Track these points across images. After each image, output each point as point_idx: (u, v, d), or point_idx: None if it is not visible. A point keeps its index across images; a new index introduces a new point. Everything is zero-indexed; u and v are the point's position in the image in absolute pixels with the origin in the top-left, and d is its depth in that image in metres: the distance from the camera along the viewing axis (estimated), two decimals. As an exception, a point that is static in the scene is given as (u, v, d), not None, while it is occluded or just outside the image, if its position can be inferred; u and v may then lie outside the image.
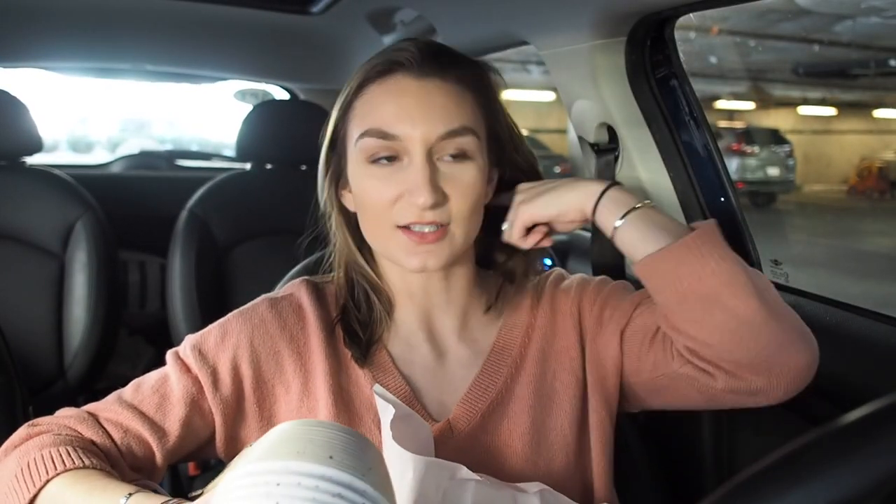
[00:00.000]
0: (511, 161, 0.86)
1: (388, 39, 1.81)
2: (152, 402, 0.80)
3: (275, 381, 0.82)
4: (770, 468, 0.41)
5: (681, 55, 1.25)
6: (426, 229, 0.76)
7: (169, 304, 1.77)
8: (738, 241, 1.28)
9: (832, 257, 6.92)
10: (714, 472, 1.26)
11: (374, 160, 0.77)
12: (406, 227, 0.77)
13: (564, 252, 1.75)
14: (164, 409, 0.79)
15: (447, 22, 1.58)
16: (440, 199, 0.76)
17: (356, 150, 0.79)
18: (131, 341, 2.32)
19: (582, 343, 0.88)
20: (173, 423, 0.79)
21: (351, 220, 0.85)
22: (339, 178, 0.84)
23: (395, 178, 0.76)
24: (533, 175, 0.87)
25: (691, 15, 1.17)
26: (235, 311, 0.86)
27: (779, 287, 1.24)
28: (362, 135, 0.77)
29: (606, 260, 1.34)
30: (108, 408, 0.80)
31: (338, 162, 0.83)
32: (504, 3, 1.34)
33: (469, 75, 0.80)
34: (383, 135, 0.76)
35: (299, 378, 0.82)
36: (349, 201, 0.84)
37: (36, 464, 0.72)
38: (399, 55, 0.78)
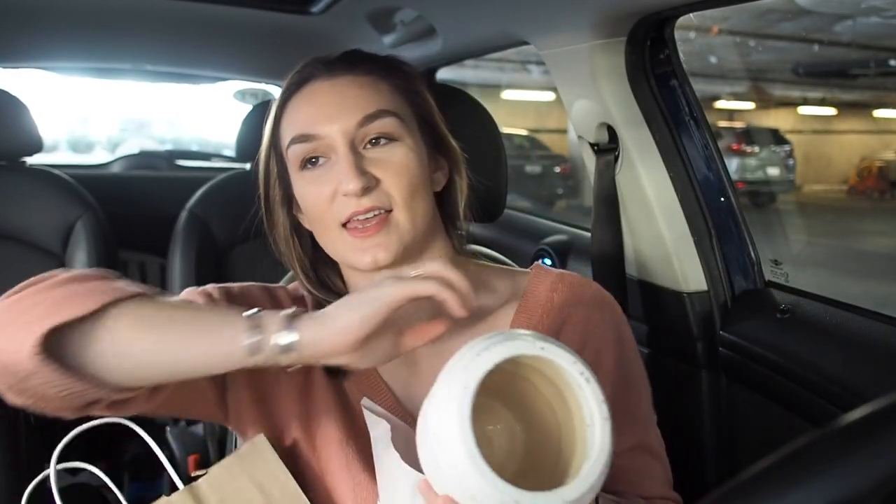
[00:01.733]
0: (448, 155, 0.86)
1: (388, 39, 1.81)
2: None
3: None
4: (770, 468, 0.41)
5: (681, 55, 1.25)
6: (369, 216, 0.76)
7: (169, 304, 1.77)
8: (739, 241, 1.28)
9: (832, 257, 6.92)
10: (714, 471, 1.26)
11: (304, 165, 0.79)
12: (348, 225, 0.77)
13: (564, 252, 1.75)
14: None
15: (447, 22, 1.58)
16: (369, 182, 0.75)
17: (290, 163, 0.81)
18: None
19: None
20: None
21: (306, 242, 0.85)
22: (291, 200, 0.84)
23: (326, 176, 0.77)
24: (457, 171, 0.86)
25: (691, 15, 1.17)
26: (257, 284, 0.87)
27: (779, 287, 1.25)
28: (289, 144, 0.80)
29: (606, 260, 1.34)
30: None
31: (283, 184, 0.83)
32: (504, 3, 1.34)
33: (379, 65, 0.83)
34: (305, 137, 0.78)
35: (300, 374, 0.81)
36: (307, 221, 0.85)
37: (109, 284, 0.67)
38: (310, 65, 0.82)
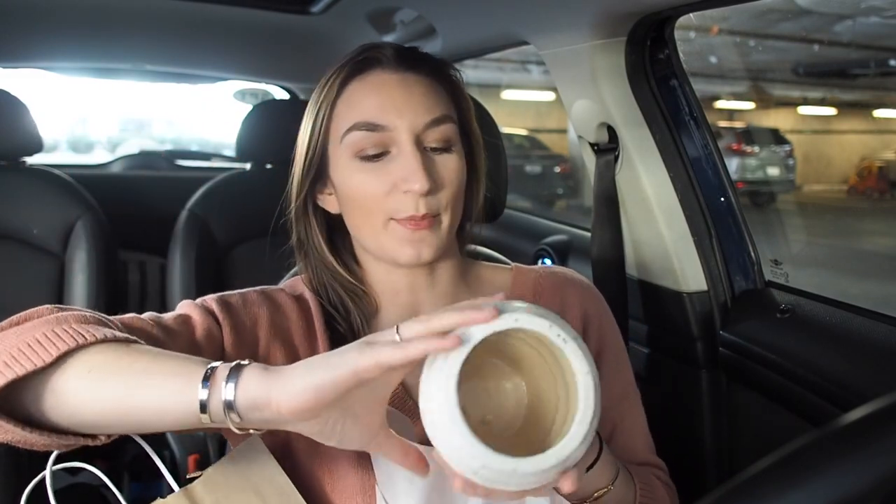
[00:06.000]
0: (476, 160, 0.88)
1: (387, 39, 1.81)
2: (179, 328, 0.76)
3: (279, 363, 0.81)
4: (770, 468, 0.41)
5: (681, 55, 1.25)
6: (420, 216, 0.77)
7: (169, 304, 1.77)
8: (739, 241, 1.28)
9: (832, 257, 6.91)
10: (714, 471, 1.26)
11: (364, 157, 0.78)
12: (400, 219, 0.78)
13: (564, 252, 1.75)
14: (192, 339, 0.75)
15: (447, 22, 1.58)
16: (433, 185, 0.77)
17: (343, 147, 0.79)
18: (131, 341, 2.31)
19: (584, 335, 0.90)
20: (198, 356, 0.74)
21: (323, 224, 0.85)
22: (316, 181, 0.84)
23: (386, 170, 0.77)
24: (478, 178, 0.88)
25: (691, 15, 1.17)
26: (255, 289, 0.85)
27: (779, 287, 1.25)
28: (349, 130, 0.78)
29: (606, 260, 1.34)
30: (135, 321, 0.74)
31: (317, 164, 0.83)
32: (504, 4, 1.34)
33: (437, 69, 0.83)
34: (371, 126, 0.77)
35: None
36: (329, 203, 0.84)
37: (84, 328, 0.64)
38: (375, 53, 0.80)
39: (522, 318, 0.57)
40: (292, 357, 0.82)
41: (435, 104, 0.79)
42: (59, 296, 1.81)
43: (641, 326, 1.38)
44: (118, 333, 0.65)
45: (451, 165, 0.79)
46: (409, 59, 0.81)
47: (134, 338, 0.66)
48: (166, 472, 0.76)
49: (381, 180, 0.77)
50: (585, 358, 0.58)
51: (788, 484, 0.40)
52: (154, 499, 0.74)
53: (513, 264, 0.95)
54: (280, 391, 0.57)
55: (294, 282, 0.89)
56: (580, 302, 0.90)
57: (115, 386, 0.61)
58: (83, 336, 0.63)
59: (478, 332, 0.57)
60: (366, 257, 0.86)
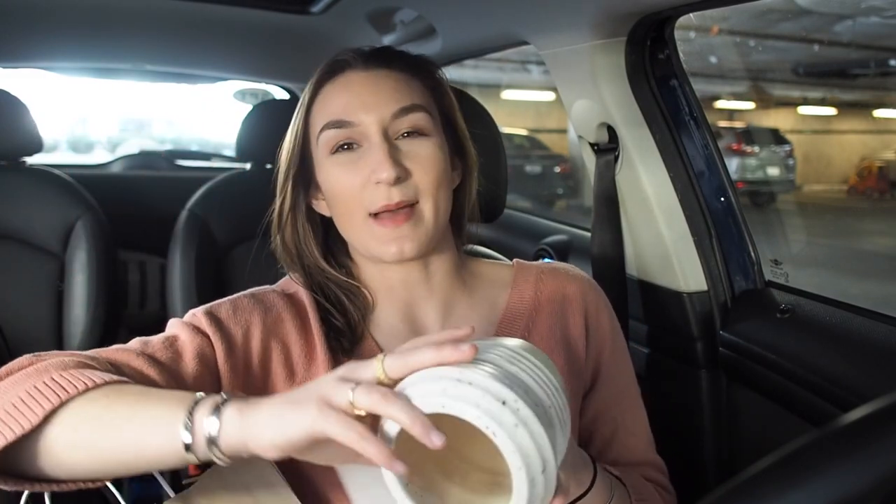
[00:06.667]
0: (465, 154, 0.88)
1: (387, 39, 1.81)
2: (166, 355, 0.76)
3: (278, 365, 0.82)
4: (770, 468, 0.41)
5: (681, 55, 1.26)
6: (397, 211, 0.78)
7: (169, 304, 1.77)
8: (739, 241, 1.28)
9: (832, 257, 6.91)
10: (714, 471, 1.26)
11: (336, 150, 0.81)
12: (378, 216, 0.79)
13: (564, 252, 1.75)
14: (179, 364, 0.76)
15: (447, 22, 1.58)
16: (402, 173, 0.78)
17: (319, 147, 0.82)
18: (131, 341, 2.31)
19: (587, 332, 0.91)
20: (188, 380, 0.75)
21: (318, 228, 0.87)
22: (308, 186, 0.86)
23: (359, 163, 0.80)
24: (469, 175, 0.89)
25: (691, 15, 1.17)
26: (245, 293, 0.86)
27: (779, 287, 1.25)
28: (322, 129, 0.81)
29: (606, 260, 1.34)
30: (119, 355, 0.74)
31: (304, 168, 0.85)
32: (504, 4, 1.34)
33: (413, 63, 0.85)
34: (340, 124, 0.80)
35: (302, 366, 0.82)
36: (323, 207, 0.86)
37: (64, 378, 0.63)
38: (345, 55, 0.84)
39: (449, 405, 0.51)
40: (288, 355, 0.82)
41: (403, 95, 0.81)
42: (59, 296, 1.81)
43: (641, 326, 1.38)
44: (99, 377, 0.64)
45: (423, 150, 0.80)
46: (379, 58, 0.83)
47: (116, 377, 0.65)
48: (160, 477, 0.76)
49: (354, 174, 0.79)
50: (516, 451, 0.51)
51: (788, 484, 0.40)
52: (154, 499, 0.74)
53: (514, 260, 0.96)
54: (254, 442, 0.57)
55: (287, 281, 0.90)
56: (581, 298, 0.92)
57: (105, 442, 0.61)
58: (64, 390, 0.62)
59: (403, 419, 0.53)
60: (359, 256, 0.87)
